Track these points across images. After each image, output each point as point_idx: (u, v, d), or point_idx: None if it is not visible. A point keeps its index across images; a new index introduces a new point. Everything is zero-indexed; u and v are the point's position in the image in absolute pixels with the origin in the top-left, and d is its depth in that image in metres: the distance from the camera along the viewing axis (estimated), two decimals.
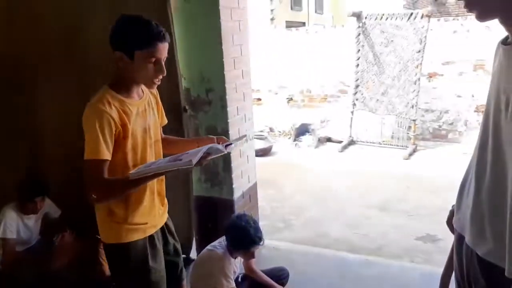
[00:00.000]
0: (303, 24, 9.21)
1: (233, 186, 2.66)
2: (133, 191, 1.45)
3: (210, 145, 1.36)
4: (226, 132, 2.54)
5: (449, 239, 3.65)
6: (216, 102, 2.53)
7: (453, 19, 6.55)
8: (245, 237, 2.08)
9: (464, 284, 1.22)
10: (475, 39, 6.33)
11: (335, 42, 7.25)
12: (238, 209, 2.73)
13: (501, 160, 1.03)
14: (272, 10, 7.61)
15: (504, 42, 1.06)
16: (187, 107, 2.56)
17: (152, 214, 1.56)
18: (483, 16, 1.00)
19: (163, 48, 1.38)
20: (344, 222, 3.87)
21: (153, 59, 1.36)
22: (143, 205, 1.51)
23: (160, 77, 1.42)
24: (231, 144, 1.44)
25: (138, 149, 1.46)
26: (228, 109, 2.54)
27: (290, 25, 8.35)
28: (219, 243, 2.19)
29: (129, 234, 1.49)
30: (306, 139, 6.90)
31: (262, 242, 2.13)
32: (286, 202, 4.44)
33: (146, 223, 1.53)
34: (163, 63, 1.40)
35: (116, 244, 1.49)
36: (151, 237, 1.56)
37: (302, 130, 7.07)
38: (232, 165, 2.62)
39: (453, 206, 1.39)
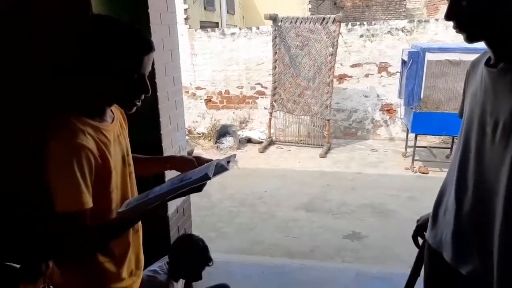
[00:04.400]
0: (217, 24, 9.12)
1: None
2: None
3: (216, 160, 1.18)
4: (158, 145, 2.35)
5: (372, 235, 3.87)
6: (147, 113, 2.31)
7: (359, 24, 7.01)
8: (195, 259, 1.93)
9: None
10: (379, 43, 6.87)
11: (251, 43, 7.29)
12: (172, 225, 2.55)
13: (485, 181, 1.05)
14: (186, 10, 7.36)
15: (487, 63, 1.08)
16: None
17: (138, 259, 1.28)
18: (470, 39, 1.02)
19: (149, 61, 1.09)
20: (275, 226, 3.90)
21: (136, 76, 1.07)
22: (130, 251, 1.22)
23: (142, 97, 1.12)
24: (229, 160, 1.25)
25: (119, 184, 1.15)
26: (161, 119, 2.35)
27: (204, 25, 8.19)
28: (160, 267, 2.00)
29: None
30: (227, 140, 6.84)
31: (211, 263, 2.00)
32: (215, 209, 4.32)
33: (133, 274, 1.24)
34: (147, 80, 1.11)
35: None
36: None
37: (223, 132, 7.00)
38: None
39: (418, 220, 1.41)
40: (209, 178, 1.04)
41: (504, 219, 1.00)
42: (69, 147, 0.98)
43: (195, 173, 1.11)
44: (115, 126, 1.17)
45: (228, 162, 1.20)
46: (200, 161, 1.35)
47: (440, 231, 1.22)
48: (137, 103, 1.13)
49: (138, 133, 2.30)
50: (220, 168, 1.14)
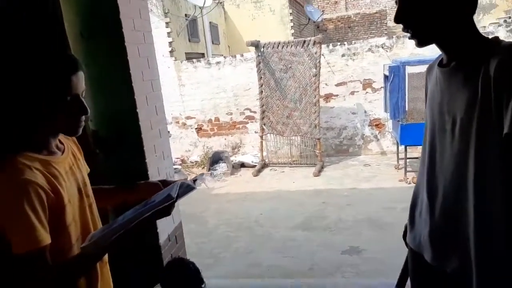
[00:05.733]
0: (202, 55, 9.30)
1: (158, 230, 2.47)
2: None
3: (180, 181, 1.16)
4: (145, 173, 2.38)
5: (371, 248, 3.85)
6: (131, 142, 2.35)
7: (340, 44, 7.19)
8: (187, 282, 1.92)
9: None
10: (361, 61, 7.02)
11: (237, 70, 7.44)
12: (165, 254, 2.54)
13: (452, 179, 1.08)
14: (170, 43, 7.53)
15: (440, 64, 1.13)
16: (97, 151, 2.34)
17: None
18: (422, 43, 1.07)
19: (79, 80, 1.05)
20: (273, 247, 3.87)
21: (69, 97, 1.03)
22: (100, 285, 1.18)
23: (83, 118, 1.09)
24: (196, 179, 1.24)
25: (77, 217, 1.11)
26: (145, 148, 2.38)
27: (190, 56, 8.36)
28: None
29: None
30: (220, 167, 6.86)
31: (204, 285, 1.99)
32: (211, 235, 4.29)
33: None
34: (83, 99, 1.08)
35: None
36: None
37: (216, 159, 7.02)
38: None
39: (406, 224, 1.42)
40: (173, 199, 1.03)
41: (476, 215, 1.01)
42: (16, 186, 0.95)
43: (158, 196, 1.11)
44: (67, 157, 1.14)
45: (195, 181, 1.20)
46: (166, 183, 1.33)
47: (418, 232, 1.23)
48: (81, 125, 1.10)
49: (123, 163, 2.37)
50: (187, 188, 1.13)
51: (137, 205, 1.13)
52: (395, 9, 1.08)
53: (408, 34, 1.07)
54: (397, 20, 1.07)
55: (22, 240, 0.95)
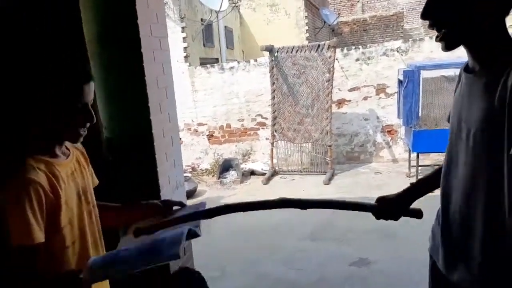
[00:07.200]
0: (217, 60, 9.32)
1: None
2: None
3: (186, 227, 1.18)
4: (155, 182, 2.36)
5: (380, 260, 3.76)
6: (143, 150, 2.34)
7: (354, 48, 7.11)
8: None
9: None
10: (375, 65, 6.94)
11: (251, 76, 7.42)
12: (173, 265, 2.51)
13: (465, 188, 1.05)
14: (185, 48, 7.56)
15: (467, 69, 1.07)
16: (110, 159, 2.33)
17: None
18: (451, 46, 1.00)
19: (90, 90, 1.13)
20: (280, 259, 3.82)
21: (79, 105, 1.11)
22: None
23: (88, 125, 1.16)
24: (198, 226, 1.27)
25: (74, 220, 1.16)
26: (156, 156, 2.37)
27: (204, 61, 8.38)
28: None
29: None
30: (230, 175, 6.83)
31: None
32: (219, 246, 4.24)
33: None
34: (91, 108, 1.15)
35: None
36: None
37: (226, 166, 7.00)
38: None
39: None
40: (179, 257, 1.05)
41: (483, 228, 0.99)
42: (19, 183, 1.02)
43: (168, 234, 1.13)
44: (70, 162, 1.20)
45: (197, 226, 1.25)
46: (165, 204, 1.38)
47: (436, 239, 1.22)
48: (82, 132, 1.17)
49: (134, 172, 2.35)
50: (193, 235, 1.21)
51: (143, 243, 1.13)
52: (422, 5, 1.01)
53: (430, 35, 1.01)
54: (425, 15, 0.99)
55: (17, 233, 1.00)
